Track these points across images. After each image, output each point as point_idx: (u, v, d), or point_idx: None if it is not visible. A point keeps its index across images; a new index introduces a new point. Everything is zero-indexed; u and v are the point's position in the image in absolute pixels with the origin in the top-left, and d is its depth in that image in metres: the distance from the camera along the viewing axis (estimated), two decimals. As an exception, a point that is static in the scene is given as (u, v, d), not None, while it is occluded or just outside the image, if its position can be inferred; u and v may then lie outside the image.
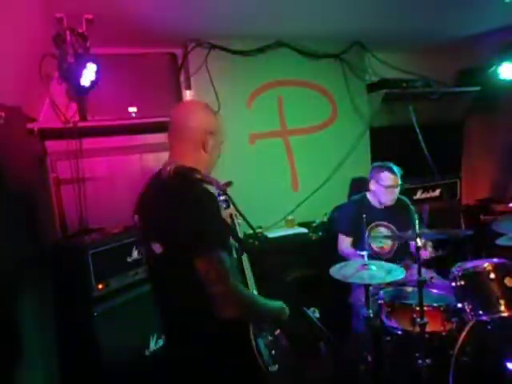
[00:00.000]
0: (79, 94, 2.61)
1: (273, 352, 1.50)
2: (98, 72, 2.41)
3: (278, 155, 3.42)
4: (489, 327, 2.05)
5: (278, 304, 1.49)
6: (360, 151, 3.64)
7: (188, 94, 3.09)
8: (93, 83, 2.43)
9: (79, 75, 2.35)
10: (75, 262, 2.23)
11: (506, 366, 1.89)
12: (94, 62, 2.38)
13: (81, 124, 2.64)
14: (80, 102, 2.74)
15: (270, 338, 1.54)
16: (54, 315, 2.27)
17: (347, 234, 2.78)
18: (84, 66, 2.34)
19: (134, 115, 2.85)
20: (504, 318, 2.05)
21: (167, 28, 2.72)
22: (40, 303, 2.16)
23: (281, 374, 1.47)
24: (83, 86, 2.40)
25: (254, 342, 1.38)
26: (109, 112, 2.82)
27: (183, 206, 1.29)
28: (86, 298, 2.20)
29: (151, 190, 1.44)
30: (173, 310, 1.42)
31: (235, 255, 1.52)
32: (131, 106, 2.88)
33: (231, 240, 1.45)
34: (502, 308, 2.07)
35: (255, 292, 1.61)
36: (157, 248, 1.34)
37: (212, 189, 1.37)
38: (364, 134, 3.67)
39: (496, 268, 2.15)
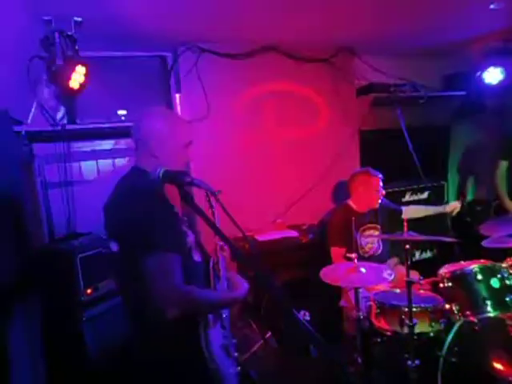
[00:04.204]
0: (68, 96, 2.59)
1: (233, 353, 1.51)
2: (87, 75, 2.39)
3: (268, 158, 3.43)
4: (476, 328, 2.08)
5: (231, 295, 1.54)
6: (349, 154, 3.67)
7: (178, 98, 3.09)
8: (82, 86, 2.41)
9: (68, 78, 2.33)
10: (63, 267, 2.21)
11: (493, 366, 1.92)
12: (83, 64, 2.36)
13: (69, 127, 2.62)
14: (69, 105, 2.72)
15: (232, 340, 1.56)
16: (42, 320, 2.24)
17: (340, 246, 2.78)
18: (73, 69, 2.32)
19: (123, 118, 2.84)
20: (491, 318, 2.09)
21: (157, 31, 2.72)
22: (27, 308, 2.13)
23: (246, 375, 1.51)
24: (72, 89, 2.38)
25: (204, 343, 1.38)
26: (98, 115, 2.80)
27: (132, 206, 1.35)
28: (75, 303, 2.18)
29: (114, 189, 1.50)
30: (131, 309, 1.48)
31: (197, 258, 1.52)
32: (121, 109, 2.87)
33: (189, 243, 1.47)
34: (489, 308, 2.11)
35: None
36: (114, 246, 1.40)
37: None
38: (353, 137, 3.71)
39: (483, 269, 2.19)
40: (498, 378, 1.89)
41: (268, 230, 3.34)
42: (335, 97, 3.61)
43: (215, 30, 2.85)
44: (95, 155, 2.88)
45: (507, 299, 2.11)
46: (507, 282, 2.16)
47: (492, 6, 2.80)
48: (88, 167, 2.86)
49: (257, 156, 3.37)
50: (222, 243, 1.80)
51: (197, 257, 1.53)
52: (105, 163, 2.93)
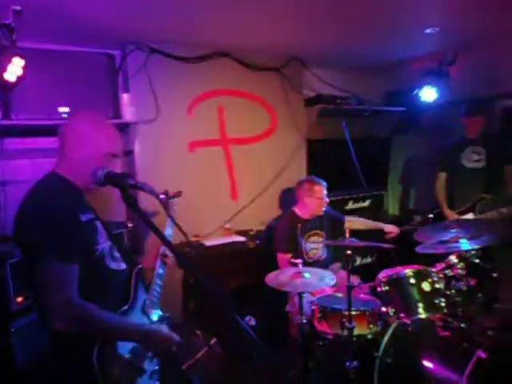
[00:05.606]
0: (2, 89, 2.41)
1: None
2: (25, 67, 2.24)
3: (217, 164, 3.42)
4: (409, 329, 2.20)
5: (140, 328, 1.42)
6: (297, 162, 3.77)
7: (126, 98, 2.99)
8: (19, 79, 2.25)
9: (3, 69, 2.17)
10: (-9, 273, 2.03)
11: (423, 365, 2.04)
12: (21, 56, 2.21)
13: (3, 122, 2.44)
14: (3, 99, 2.53)
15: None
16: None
17: (286, 252, 2.83)
18: (9, 60, 2.17)
19: (64, 116, 2.69)
20: (422, 319, 2.23)
21: (104, 27, 2.62)
22: None
23: None
24: (7, 82, 2.22)
25: (97, 362, 1.29)
26: (36, 111, 2.64)
27: (29, 215, 1.33)
28: (3, 313, 2.01)
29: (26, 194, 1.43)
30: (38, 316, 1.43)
31: (115, 266, 1.47)
32: (62, 106, 2.73)
33: (99, 250, 1.42)
34: (421, 310, 2.24)
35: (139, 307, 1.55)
36: (19, 253, 1.37)
37: (65, 197, 1.37)
38: (301, 146, 3.81)
39: (415, 274, 2.33)
40: (428, 376, 2.01)
41: (216, 235, 3.33)
42: (285, 106, 3.69)
43: (164, 30, 2.79)
44: (31, 154, 2.70)
45: (436, 301, 2.26)
46: (437, 285, 2.31)
47: (428, 31, 3.03)
48: (22, 166, 2.67)
49: (206, 161, 3.35)
50: (163, 249, 1.77)
51: (115, 265, 1.47)
52: (42, 162, 2.75)
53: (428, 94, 3.72)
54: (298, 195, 3.00)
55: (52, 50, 2.77)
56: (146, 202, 1.54)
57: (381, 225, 3.19)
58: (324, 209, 2.98)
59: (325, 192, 2.94)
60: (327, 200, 2.97)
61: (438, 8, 2.67)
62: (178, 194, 2.15)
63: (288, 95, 3.70)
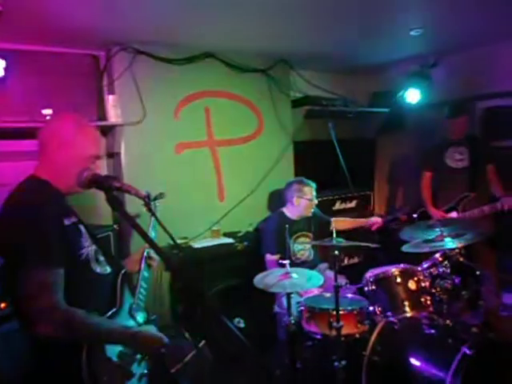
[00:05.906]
0: (-17, 91, 2.37)
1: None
2: (7, 69, 2.21)
3: (204, 165, 3.41)
4: (396, 327, 2.23)
5: (128, 330, 1.40)
6: (284, 164, 3.78)
7: (111, 99, 2.96)
8: (1, 81, 2.22)
9: (-17, 71, 2.13)
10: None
11: (410, 362, 2.07)
12: (2, 57, 2.18)
13: (-16, 124, 2.39)
14: (-16, 101, 2.48)
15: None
16: None
17: (273, 253, 2.84)
18: (-10, 62, 2.14)
19: (48, 118, 2.65)
20: (408, 318, 2.26)
21: (88, 28, 2.58)
22: None
23: None
24: (-12, 83, 2.18)
25: (86, 370, 1.28)
26: (19, 113, 2.60)
27: (10, 220, 1.31)
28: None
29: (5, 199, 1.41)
30: (19, 323, 1.41)
31: (100, 270, 1.47)
32: (46, 108, 2.69)
33: (85, 255, 1.41)
34: (407, 309, 2.29)
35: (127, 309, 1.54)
36: (0, 258, 1.36)
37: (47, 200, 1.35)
38: (287, 148, 3.82)
39: (401, 273, 2.37)
40: (415, 374, 2.03)
41: (204, 237, 3.31)
42: (272, 107, 3.70)
43: (148, 31, 2.76)
44: (14, 156, 2.65)
45: (422, 300, 2.31)
46: (422, 283, 2.35)
47: (412, 33, 3.08)
48: (5, 169, 2.62)
49: (193, 163, 3.33)
50: (148, 252, 1.76)
51: (100, 269, 1.46)
52: (25, 165, 2.70)
53: (412, 96, 3.78)
54: (287, 196, 3.01)
55: (35, 51, 2.73)
56: (128, 204, 1.52)
57: (364, 221, 3.25)
58: (312, 210, 3.01)
59: (314, 193, 2.97)
60: (316, 201, 3.00)
61: (421, 10, 2.71)
62: (160, 196, 2.13)
63: (274, 97, 3.71)
